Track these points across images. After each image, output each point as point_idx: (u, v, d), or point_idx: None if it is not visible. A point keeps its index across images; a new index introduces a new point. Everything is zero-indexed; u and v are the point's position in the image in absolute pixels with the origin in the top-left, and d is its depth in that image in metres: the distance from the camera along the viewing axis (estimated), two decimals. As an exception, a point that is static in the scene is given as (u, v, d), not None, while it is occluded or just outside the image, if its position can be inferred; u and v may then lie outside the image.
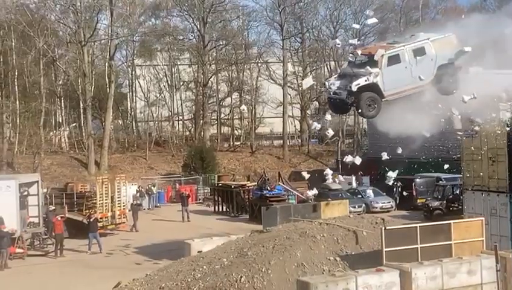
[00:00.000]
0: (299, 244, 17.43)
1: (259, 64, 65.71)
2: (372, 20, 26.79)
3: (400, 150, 23.70)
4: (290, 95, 65.99)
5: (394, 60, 20.68)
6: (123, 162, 56.06)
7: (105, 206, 34.14)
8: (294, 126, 68.14)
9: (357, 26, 52.54)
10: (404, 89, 20.83)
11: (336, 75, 22.38)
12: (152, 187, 45.29)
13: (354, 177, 41.80)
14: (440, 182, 36.63)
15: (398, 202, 39.29)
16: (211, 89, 65.71)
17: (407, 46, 20.99)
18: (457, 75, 21.28)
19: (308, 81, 28.84)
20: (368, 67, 20.49)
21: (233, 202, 40.20)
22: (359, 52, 21.70)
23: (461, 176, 27.08)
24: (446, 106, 21.83)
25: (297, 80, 64.02)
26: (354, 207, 34.74)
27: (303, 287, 14.57)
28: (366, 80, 20.13)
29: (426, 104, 21.41)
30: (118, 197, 34.92)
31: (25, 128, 54.13)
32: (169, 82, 65.57)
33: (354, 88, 20.08)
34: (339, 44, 37.00)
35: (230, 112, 67.95)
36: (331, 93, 21.34)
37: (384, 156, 23.18)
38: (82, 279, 23.84)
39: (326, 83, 21.90)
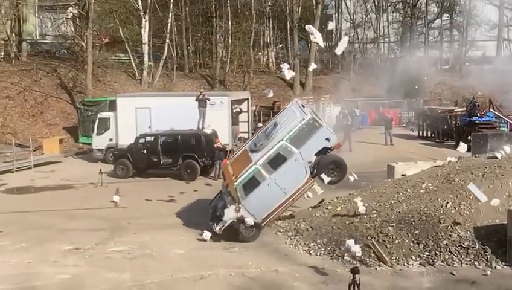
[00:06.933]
0: (511, 173, 16.65)
1: (475, -17, 61.46)
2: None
3: None
4: (506, 16, 61.28)
5: (251, 185, 17.45)
6: (327, 84, 56.54)
7: (310, 125, 34.99)
8: (510, 50, 63.39)
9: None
10: (279, 204, 17.53)
11: (219, 193, 19.57)
12: (355, 109, 45.30)
13: None
14: None
15: None
16: (420, 10, 63.08)
17: (259, 161, 17.52)
18: (337, 160, 17.73)
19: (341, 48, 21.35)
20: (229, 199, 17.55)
21: (438, 127, 39.04)
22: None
23: None
24: None
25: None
26: None
27: (514, 218, 13.98)
28: (230, 219, 17.30)
29: None
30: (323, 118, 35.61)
31: (235, 48, 56.52)
32: (376, 3, 63.98)
33: (219, 233, 17.49)
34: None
35: (439, 34, 64.89)
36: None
37: None
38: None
39: (211, 207, 19.21)
